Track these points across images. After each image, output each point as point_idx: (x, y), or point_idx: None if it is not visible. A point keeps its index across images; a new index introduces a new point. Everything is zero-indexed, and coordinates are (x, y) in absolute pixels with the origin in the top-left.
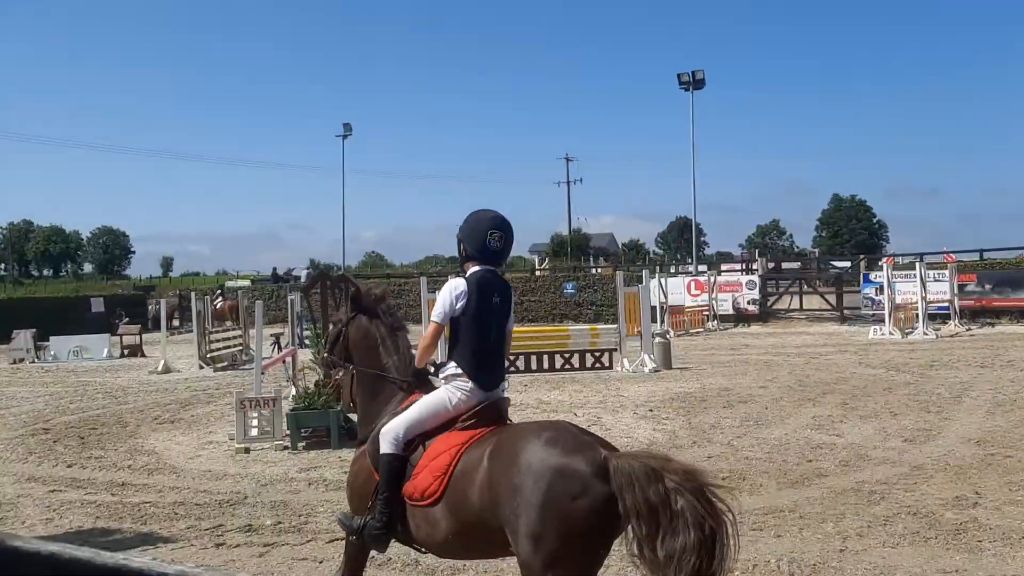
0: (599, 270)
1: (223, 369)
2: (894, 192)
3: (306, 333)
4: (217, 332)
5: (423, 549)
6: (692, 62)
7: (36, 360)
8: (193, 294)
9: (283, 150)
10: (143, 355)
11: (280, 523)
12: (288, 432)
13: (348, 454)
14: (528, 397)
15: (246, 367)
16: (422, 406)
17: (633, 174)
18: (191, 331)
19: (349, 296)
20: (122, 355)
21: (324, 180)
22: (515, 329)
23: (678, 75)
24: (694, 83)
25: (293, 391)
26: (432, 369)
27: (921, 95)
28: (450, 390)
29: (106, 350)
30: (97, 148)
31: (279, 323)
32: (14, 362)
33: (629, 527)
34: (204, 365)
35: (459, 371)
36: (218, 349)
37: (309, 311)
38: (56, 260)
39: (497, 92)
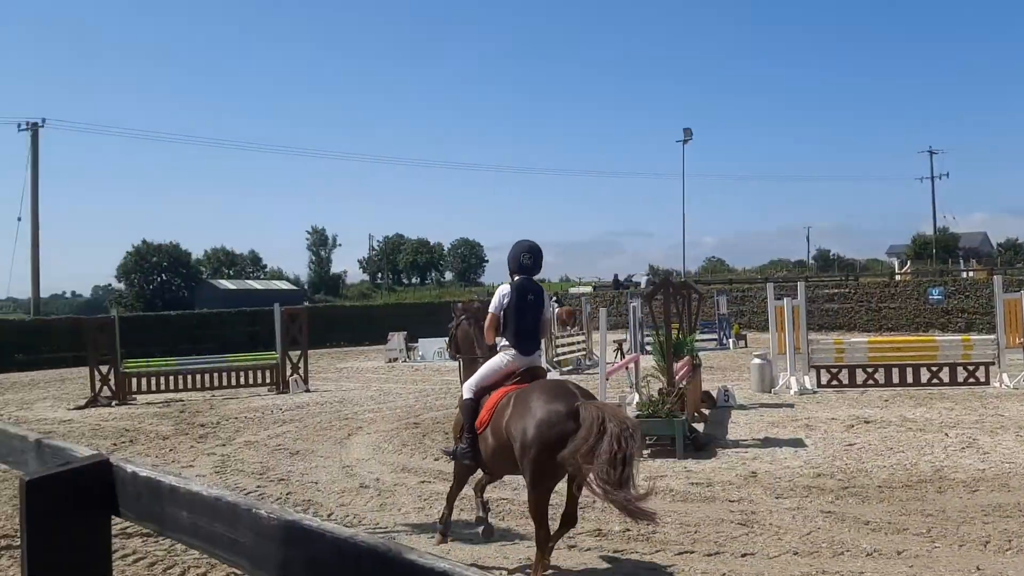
0: (971, 274)
1: (568, 373)
2: None
3: (648, 340)
4: (562, 337)
5: (487, 470)
6: None
7: (407, 360)
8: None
9: (622, 158)
10: None
11: (628, 531)
12: None
13: (694, 465)
14: (890, 413)
15: (590, 371)
16: (487, 367)
17: (1009, 166)
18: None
19: (455, 308)
20: None
21: (664, 186)
22: (872, 339)
23: None
24: None
25: (636, 398)
26: (498, 344)
27: None
28: (502, 356)
29: None
30: (450, 166)
31: (620, 329)
32: (389, 361)
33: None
34: (551, 368)
35: (507, 343)
36: (564, 353)
37: (651, 317)
38: (422, 269)
39: (847, 84)
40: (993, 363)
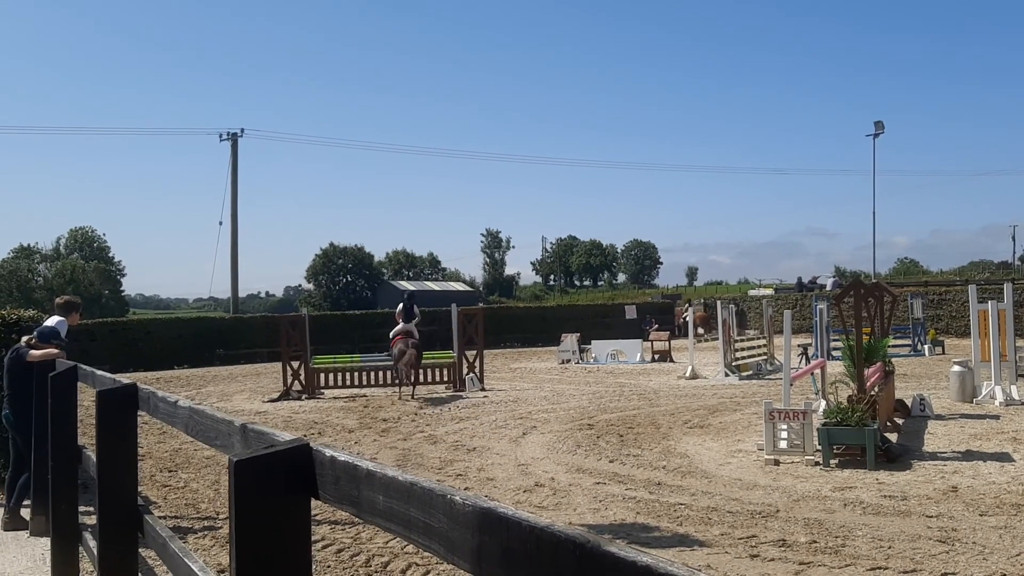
0: None
1: (748, 378)
2: None
3: (835, 344)
4: (742, 340)
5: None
6: None
7: (580, 361)
8: (719, 303)
9: (806, 154)
10: (672, 360)
11: (815, 542)
12: (819, 447)
13: (886, 476)
14: None
15: (771, 376)
16: (396, 329)
17: None
18: (716, 339)
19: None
20: (653, 359)
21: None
22: None
23: None
24: None
25: (823, 405)
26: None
27: None
28: (401, 325)
29: (639, 354)
30: (626, 167)
31: (803, 333)
32: (562, 362)
33: None
34: (729, 373)
35: (401, 323)
36: (743, 357)
37: (840, 320)
38: (595, 271)
39: None
40: None
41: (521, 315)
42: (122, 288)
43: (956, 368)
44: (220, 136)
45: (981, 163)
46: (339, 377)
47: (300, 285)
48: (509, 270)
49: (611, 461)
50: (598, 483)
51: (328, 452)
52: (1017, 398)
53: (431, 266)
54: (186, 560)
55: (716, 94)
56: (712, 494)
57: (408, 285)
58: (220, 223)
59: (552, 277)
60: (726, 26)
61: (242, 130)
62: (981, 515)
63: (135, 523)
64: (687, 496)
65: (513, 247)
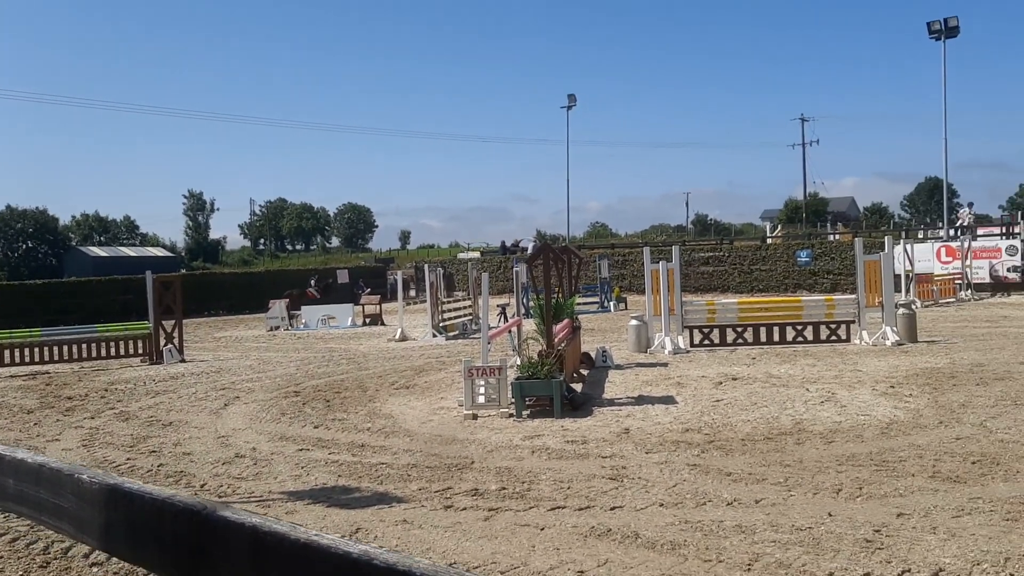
0: (836, 237)
1: (455, 338)
2: None
3: (530, 304)
4: (449, 302)
5: None
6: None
7: (290, 328)
8: (427, 266)
9: (510, 124)
10: (383, 323)
11: (504, 488)
12: (513, 400)
13: (570, 423)
14: (756, 371)
15: (475, 336)
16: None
17: (878, 133)
18: (425, 301)
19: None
20: (364, 323)
21: (550, 152)
22: (742, 300)
23: (928, 23)
24: (946, 31)
25: (518, 360)
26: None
27: None
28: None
29: (350, 319)
30: (337, 129)
31: (508, 293)
32: (270, 330)
33: None
34: (437, 334)
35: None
36: (450, 319)
37: (533, 282)
38: (307, 235)
39: (727, 51)
40: (854, 321)
41: (227, 282)
42: None
43: (633, 322)
44: None
45: (661, 136)
46: (18, 353)
47: None
48: (215, 234)
49: (316, 427)
50: (301, 450)
51: None
52: (683, 347)
53: (127, 230)
54: None
55: (427, 64)
56: (413, 451)
57: (99, 251)
58: None
59: (262, 241)
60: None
61: None
62: (647, 453)
63: None
64: (389, 455)
65: (218, 209)
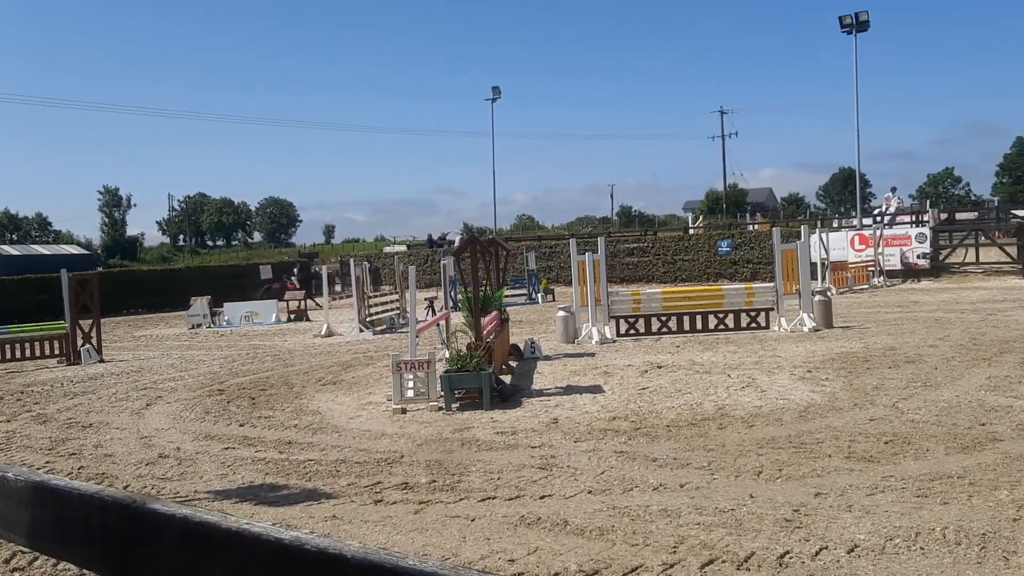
0: (755, 227)
1: (382, 332)
2: None
3: (458, 297)
4: (376, 296)
5: None
6: (855, 3)
7: (212, 325)
8: (352, 260)
9: (436, 117)
10: (308, 319)
11: (435, 481)
12: (442, 394)
13: (499, 415)
14: (680, 359)
15: (403, 330)
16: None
17: (795, 125)
18: (351, 296)
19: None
20: (289, 319)
21: (477, 145)
22: (666, 289)
23: (840, 18)
24: (857, 25)
25: (447, 353)
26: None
27: None
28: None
29: (274, 315)
30: (259, 122)
31: (436, 287)
32: (192, 327)
33: None
34: (364, 328)
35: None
36: (377, 313)
37: (460, 275)
38: (228, 230)
39: (648, 46)
40: (772, 309)
41: (146, 279)
42: None
43: (561, 313)
44: None
45: (586, 128)
46: None
47: None
48: (132, 230)
49: (242, 425)
50: (227, 448)
51: None
52: (609, 337)
53: (40, 228)
54: None
55: (350, 56)
56: (342, 447)
57: (11, 249)
58: None
59: (182, 237)
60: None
61: None
62: (576, 442)
63: None
64: (317, 452)
65: (135, 206)
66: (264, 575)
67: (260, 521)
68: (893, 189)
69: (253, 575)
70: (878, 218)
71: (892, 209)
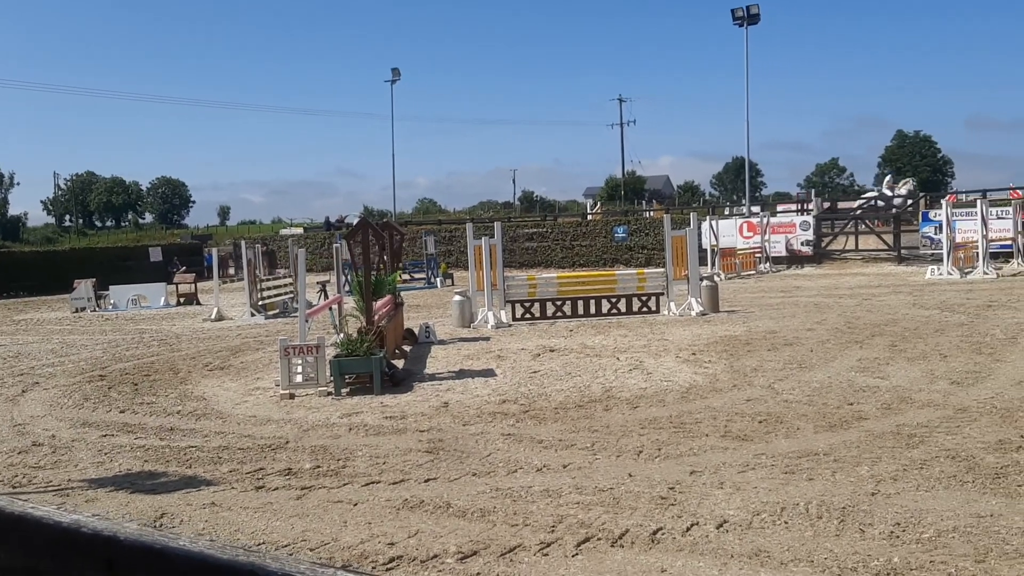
0: (651, 213)
1: (274, 316)
2: (975, 124)
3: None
4: (269, 280)
5: None
6: None
7: (97, 309)
8: (244, 243)
9: (336, 97)
10: (198, 303)
11: (319, 467)
12: (332, 378)
13: (390, 399)
14: (572, 342)
15: (296, 315)
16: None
17: (692, 114)
18: (243, 279)
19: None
20: (178, 303)
21: (378, 127)
22: (562, 274)
23: (732, 10)
24: (748, 18)
25: (338, 338)
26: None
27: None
28: None
29: (163, 299)
30: (152, 99)
31: (330, 271)
32: (76, 311)
33: None
34: (256, 312)
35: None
36: (270, 297)
37: (353, 259)
38: (118, 211)
39: (549, 33)
40: (663, 294)
41: (28, 260)
42: None
43: (457, 297)
44: None
45: (489, 113)
46: None
47: None
48: (14, 210)
49: (122, 412)
50: (105, 435)
51: None
52: (505, 321)
53: None
54: None
55: (247, 32)
56: (225, 433)
57: None
58: None
59: (68, 218)
60: None
61: None
62: (464, 425)
63: None
64: (199, 438)
65: (18, 184)
66: (42, 557)
67: (132, 517)
68: (889, 175)
69: (32, 558)
70: (878, 202)
71: (904, 191)
